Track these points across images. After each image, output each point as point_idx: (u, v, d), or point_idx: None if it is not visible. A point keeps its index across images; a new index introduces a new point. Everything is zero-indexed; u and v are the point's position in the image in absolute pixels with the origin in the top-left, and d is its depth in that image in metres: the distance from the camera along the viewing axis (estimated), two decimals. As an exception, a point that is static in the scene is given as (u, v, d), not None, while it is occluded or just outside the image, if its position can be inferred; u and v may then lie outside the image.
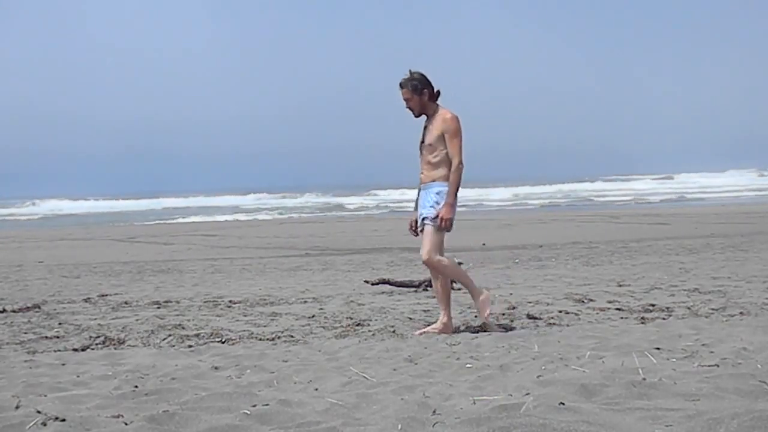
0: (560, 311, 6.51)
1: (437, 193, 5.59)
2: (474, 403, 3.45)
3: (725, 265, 9.91)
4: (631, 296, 7.32)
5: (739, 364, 3.97)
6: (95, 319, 6.81)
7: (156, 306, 7.59)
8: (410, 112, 5.70)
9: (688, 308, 6.46)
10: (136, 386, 4.00)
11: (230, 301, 7.79)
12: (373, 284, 8.58)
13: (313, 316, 6.65)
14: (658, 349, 4.52)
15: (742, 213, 24.92)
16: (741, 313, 6.12)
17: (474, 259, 12.04)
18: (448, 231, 5.63)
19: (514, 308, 6.74)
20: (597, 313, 6.38)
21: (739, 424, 2.90)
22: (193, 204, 50.17)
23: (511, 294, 7.76)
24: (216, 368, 4.53)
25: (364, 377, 4.17)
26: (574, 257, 12.18)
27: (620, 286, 8.18)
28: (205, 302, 7.78)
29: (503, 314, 6.46)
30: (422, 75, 5.63)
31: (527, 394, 3.52)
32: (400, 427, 3.10)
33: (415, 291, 8.19)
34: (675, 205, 36.70)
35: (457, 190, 5.58)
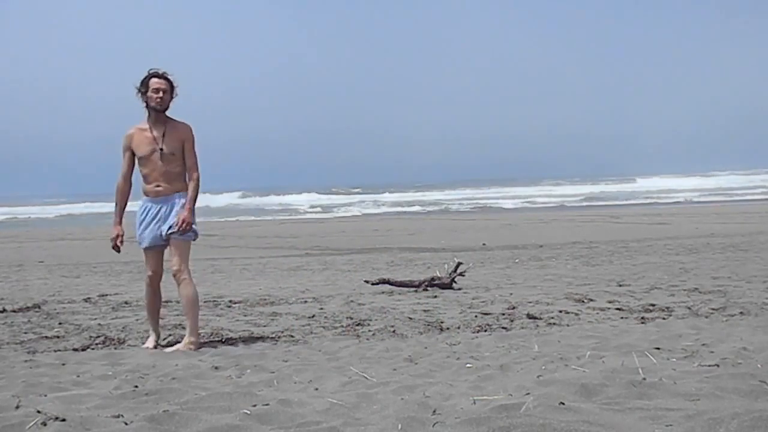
0: (560, 311, 6.51)
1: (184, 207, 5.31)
2: (474, 403, 3.45)
3: (725, 265, 9.91)
4: (631, 296, 7.32)
5: (739, 364, 3.97)
6: (95, 319, 6.81)
7: (156, 306, 7.58)
8: (150, 103, 5.28)
9: (688, 308, 6.46)
10: (136, 386, 4.00)
11: (230, 301, 7.80)
12: (373, 284, 8.58)
13: (313, 316, 6.65)
14: (658, 349, 4.53)
15: (742, 213, 24.92)
16: (741, 313, 6.12)
17: (474, 258, 12.04)
18: (194, 238, 5.38)
19: (514, 308, 6.74)
20: (597, 313, 6.38)
21: (739, 424, 2.90)
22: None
23: (511, 294, 7.76)
24: (216, 368, 4.54)
25: (364, 377, 4.18)
26: (574, 257, 12.18)
27: (620, 286, 8.18)
28: (205, 302, 7.78)
29: (503, 314, 6.46)
30: None
31: (527, 394, 3.52)
32: (400, 427, 3.10)
33: (415, 291, 8.19)
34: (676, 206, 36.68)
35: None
